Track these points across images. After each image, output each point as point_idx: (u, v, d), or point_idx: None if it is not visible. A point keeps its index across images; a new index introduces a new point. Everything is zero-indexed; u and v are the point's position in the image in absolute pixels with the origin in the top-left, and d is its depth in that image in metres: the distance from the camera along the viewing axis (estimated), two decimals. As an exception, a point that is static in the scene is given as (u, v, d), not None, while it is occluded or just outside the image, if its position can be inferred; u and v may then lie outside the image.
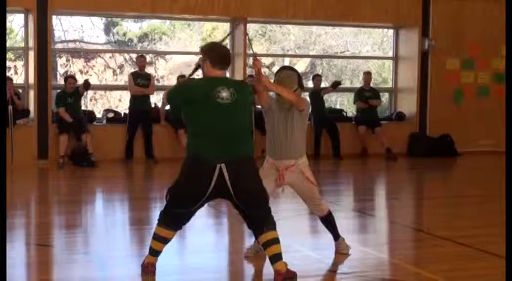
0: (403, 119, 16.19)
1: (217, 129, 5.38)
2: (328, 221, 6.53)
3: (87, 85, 13.38)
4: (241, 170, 5.37)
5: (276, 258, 5.50)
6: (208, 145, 5.38)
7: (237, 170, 5.35)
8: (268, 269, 6.15)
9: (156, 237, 5.65)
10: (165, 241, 5.64)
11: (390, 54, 17.27)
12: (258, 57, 6.04)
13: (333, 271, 6.10)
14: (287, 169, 6.26)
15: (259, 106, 15.43)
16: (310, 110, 6.44)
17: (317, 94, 15.18)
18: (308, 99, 6.38)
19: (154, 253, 5.67)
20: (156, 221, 5.68)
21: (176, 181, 5.54)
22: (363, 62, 19.80)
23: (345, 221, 8.34)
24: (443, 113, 16.00)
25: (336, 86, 15.19)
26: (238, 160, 5.37)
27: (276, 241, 5.51)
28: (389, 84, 17.26)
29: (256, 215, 5.54)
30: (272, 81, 6.27)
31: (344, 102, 19.49)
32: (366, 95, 15.52)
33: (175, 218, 5.59)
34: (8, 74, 16.60)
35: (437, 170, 13.91)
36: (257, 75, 6.01)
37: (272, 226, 5.54)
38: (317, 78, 15.62)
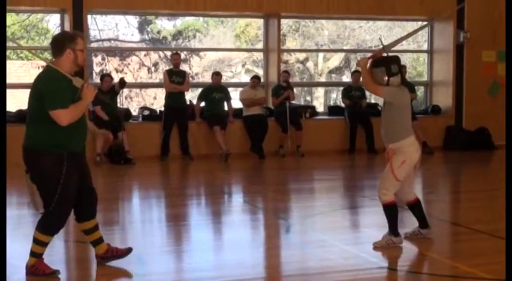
0: (439, 112, 16.07)
1: None
2: (385, 213, 6.65)
3: (122, 83, 13.46)
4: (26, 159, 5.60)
5: (30, 254, 5.65)
6: None
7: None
8: (306, 263, 6.17)
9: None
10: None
11: (425, 47, 17.15)
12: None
13: (369, 265, 6.08)
14: (388, 153, 6.61)
15: (293, 101, 15.53)
16: (402, 101, 6.70)
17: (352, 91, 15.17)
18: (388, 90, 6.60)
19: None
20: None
21: None
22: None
23: (380, 216, 8.31)
24: (480, 106, 15.85)
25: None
26: (24, 148, 5.59)
27: (34, 240, 5.63)
28: (425, 78, 17.14)
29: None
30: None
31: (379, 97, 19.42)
32: (401, 88, 15.40)
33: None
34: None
35: (474, 164, 13.79)
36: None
37: (38, 225, 5.64)
38: (355, 74, 15.52)
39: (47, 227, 5.58)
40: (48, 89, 5.41)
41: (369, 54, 6.84)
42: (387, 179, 6.56)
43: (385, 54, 6.72)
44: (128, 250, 6.00)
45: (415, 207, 6.84)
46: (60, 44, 5.55)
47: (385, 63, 6.56)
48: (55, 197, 5.47)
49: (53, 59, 5.61)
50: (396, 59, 6.67)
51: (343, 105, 15.58)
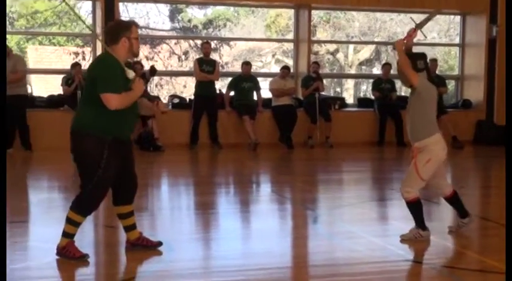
0: (469, 106, 15.97)
1: None
2: (409, 209, 6.60)
3: (153, 71, 13.51)
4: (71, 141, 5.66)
5: (62, 234, 5.68)
6: None
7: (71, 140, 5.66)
8: (333, 254, 6.18)
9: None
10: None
11: (457, 41, 17.02)
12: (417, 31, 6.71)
13: (396, 258, 6.07)
14: (413, 151, 6.53)
15: (323, 93, 15.49)
16: (431, 94, 6.63)
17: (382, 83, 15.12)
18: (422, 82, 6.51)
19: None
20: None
21: None
22: (429, 49, 19.54)
23: (409, 209, 8.30)
24: None
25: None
26: (71, 130, 5.63)
27: (67, 220, 5.66)
28: (456, 72, 17.03)
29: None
30: None
31: (409, 90, 19.32)
32: (432, 82, 15.31)
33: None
34: (76, 59, 16.95)
35: (504, 159, 13.66)
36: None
37: (73, 205, 5.66)
38: (386, 67, 15.45)
39: (80, 208, 5.63)
40: (103, 72, 5.49)
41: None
42: (411, 177, 6.50)
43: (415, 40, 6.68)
44: (159, 244, 6.06)
45: (453, 200, 6.81)
46: (115, 32, 5.63)
47: (411, 58, 6.52)
48: (93, 180, 5.52)
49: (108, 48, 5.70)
50: (423, 56, 6.64)
51: (373, 97, 15.53)
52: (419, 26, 6.70)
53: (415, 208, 6.55)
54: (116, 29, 5.66)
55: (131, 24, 5.69)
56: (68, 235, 5.66)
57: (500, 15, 15.67)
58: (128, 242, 6.01)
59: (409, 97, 6.62)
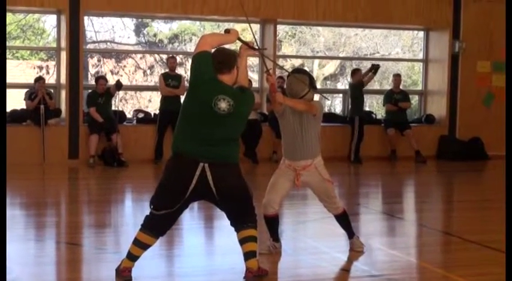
0: (432, 121, 16.10)
1: (207, 134, 5.36)
2: (343, 220, 6.72)
3: (119, 85, 13.47)
4: (224, 172, 5.39)
5: (250, 255, 5.62)
6: (194, 143, 5.36)
7: (220, 171, 5.36)
8: (297, 270, 6.18)
9: (137, 242, 5.60)
10: (146, 247, 5.61)
11: (420, 56, 17.19)
12: (271, 73, 6.30)
13: (361, 273, 6.09)
14: (304, 169, 6.43)
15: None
16: (322, 112, 6.58)
17: (359, 87, 14.92)
18: (319, 104, 6.54)
19: (133, 257, 5.58)
20: (140, 226, 5.65)
21: (159, 181, 5.55)
22: (393, 64, 19.72)
23: (373, 224, 8.36)
24: (474, 116, 15.88)
25: (375, 70, 14.88)
26: (222, 163, 5.39)
27: (252, 239, 5.62)
28: (419, 87, 17.18)
29: (236, 209, 5.62)
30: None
31: (373, 105, 19.44)
32: (396, 97, 15.44)
33: (159, 222, 5.58)
34: (40, 73, 16.81)
35: (466, 174, 13.81)
36: (270, 92, 6.27)
37: (252, 224, 5.64)
38: (357, 72, 15.26)
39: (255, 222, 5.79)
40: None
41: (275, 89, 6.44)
42: (330, 191, 6.65)
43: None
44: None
45: (275, 221, 6.80)
46: (231, 62, 5.48)
47: (308, 74, 6.55)
48: (252, 205, 5.71)
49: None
50: (311, 75, 6.62)
51: (337, 112, 15.58)
52: (268, 71, 6.48)
53: (347, 216, 6.71)
54: (231, 59, 5.49)
55: (237, 54, 5.64)
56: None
57: (462, 30, 15.86)
58: None
59: (300, 120, 6.40)
